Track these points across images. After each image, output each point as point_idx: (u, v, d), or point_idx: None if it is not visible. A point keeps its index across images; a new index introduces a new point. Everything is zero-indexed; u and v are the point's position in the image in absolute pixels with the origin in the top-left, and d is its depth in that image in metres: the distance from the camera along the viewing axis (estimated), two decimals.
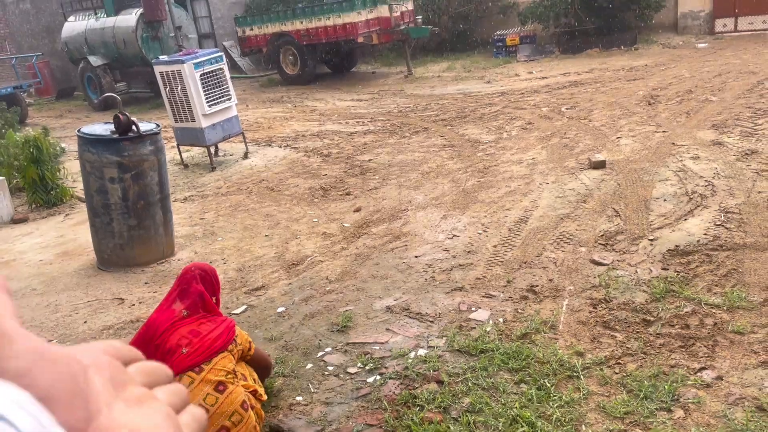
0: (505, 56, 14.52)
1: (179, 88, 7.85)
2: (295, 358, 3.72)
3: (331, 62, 15.96)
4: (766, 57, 10.68)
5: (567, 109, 9.04)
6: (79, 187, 6.72)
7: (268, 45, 15.17)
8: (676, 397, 2.92)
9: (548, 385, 3.11)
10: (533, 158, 7.05)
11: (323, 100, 12.82)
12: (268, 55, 15.62)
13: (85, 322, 4.52)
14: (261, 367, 3.23)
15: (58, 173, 7.74)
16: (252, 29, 15.42)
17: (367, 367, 3.51)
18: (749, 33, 13.43)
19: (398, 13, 13.85)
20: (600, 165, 6.36)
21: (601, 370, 3.20)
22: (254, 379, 3.08)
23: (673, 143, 6.78)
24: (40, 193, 7.31)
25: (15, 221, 6.95)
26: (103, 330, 4.37)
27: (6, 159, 7.77)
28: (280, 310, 4.37)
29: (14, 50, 19.52)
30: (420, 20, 14.59)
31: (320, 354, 3.74)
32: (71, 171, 8.09)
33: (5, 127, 10.38)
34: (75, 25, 15.30)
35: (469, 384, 3.20)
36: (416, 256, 4.96)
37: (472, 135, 8.43)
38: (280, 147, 9.13)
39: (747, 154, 6.09)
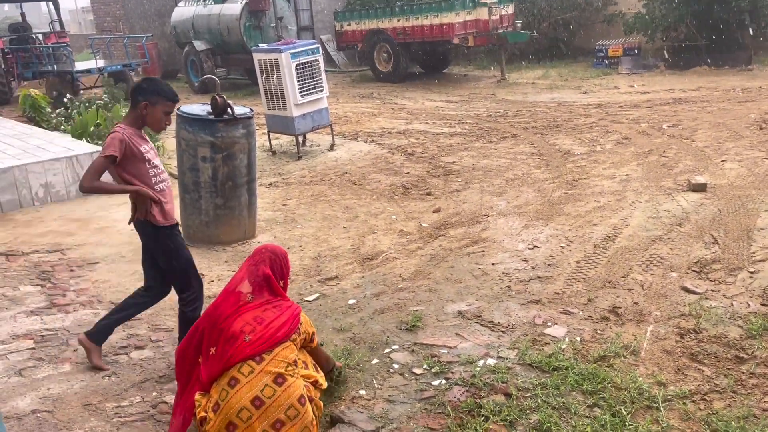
0: (606, 67, 13.98)
1: (275, 76, 8.04)
2: (362, 352, 3.70)
3: (425, 62, 15.93)
4: None
5: (668, 126, 8.58)
6: (173, 165, 7.00)
7: (364, 41, 15.33)
8: None
9: (624, 412, 2.92)
10: (627, 174, 6.72)
11: (413, 99, 12.80)
12: (363, 50, 15.80)
13: None
14: (326, 365, 3.21)
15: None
16: (349, 24, 15.63)
17: (433, 370, 3.43)
18: None
19: (497, 17, 13.64)
20: (700, 188, 5.97)
21: (684, 404, 2.97)
22: (315, 368, 3.05)
23: None
24: None
25: None
26: None
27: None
28: (351, 302, 4.36)
29: (127, 30, 20.74)
30: (519, 25, 14.30)
31: (387, 351, 3.69)
32: (168, 149, 8.45)
33: (112, 101, 11.01)
34: (184, 11, 16.06)
35: (539, 401, 3.06)
36: (493, 264, 4.83)
37: (563, 145, 8.16)
38: (366, 142, 9.18)
39: None
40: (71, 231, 6.10)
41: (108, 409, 3.26)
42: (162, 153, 8.43)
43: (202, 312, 3.42)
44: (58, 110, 10.45)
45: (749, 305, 3.87)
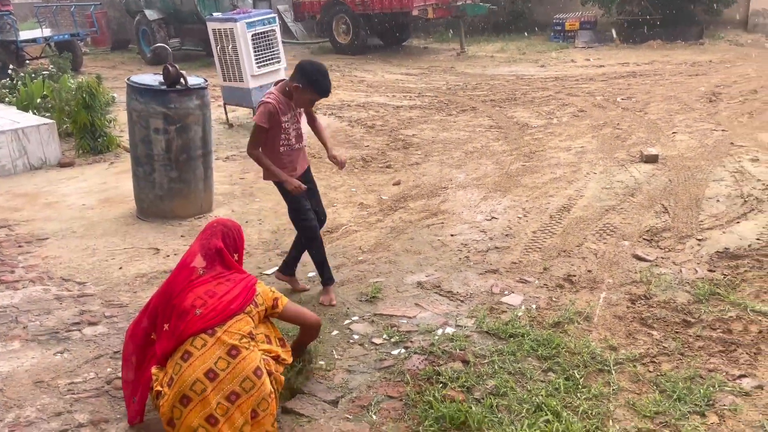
0: (563, 41, 14.10)
1: (230, 46, 7.85)
2: (322, 324, 3.69)
3: (384, 34, 15.77)
4: None
5: (623, 99, 8.73)
6: (125, 138, 6.80)
7: (322, 12, 15.06)
8: (711, 402, 2.79)
9: (577, 376, 3.01)
10: (582, 146, 6.84)
11: (372, 71, 12.69)
12: (321, 22, 15.52)
13: (120, 268, 4.59)
14: (301, 325, 3.13)
15: (107, 122, 7.85)
16: None
17: (392, 340, 3.46)
18: None
19: None
20: (652, 159, 6.12)
21: (635, 366, 3.08)
22: (281, 343, 3.02)
23: (731, 143, 6.47)
24: (88, 140, 7.44)
25: (62, 165, 7.08)
26: (137, 278, 4.42)
27: (57, 104, 7.91)
28: (310, 275, 4.34)
29: None
30: None
31: (347, 322, 3.71)
32: (120, 121, 8.19)
33: (59, 72, 10.58)
34: None
35: (495, 367, 3.13)
36: (452, 235, 4.87)
37: (520, 118, 8.23)
38: (325, 115, 9.08)
39: None
40: (18, 206, 5.88)
41: (60, 386, 3.19)
42: (114, 125, 8.17)
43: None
44: (2, 81, 9.99)
45: (697, 271, 4.01)
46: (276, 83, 3.84)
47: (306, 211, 3.87)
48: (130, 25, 16.08)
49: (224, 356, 2.68)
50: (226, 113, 8.73)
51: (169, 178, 5.33)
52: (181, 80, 5.10)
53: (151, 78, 5.30)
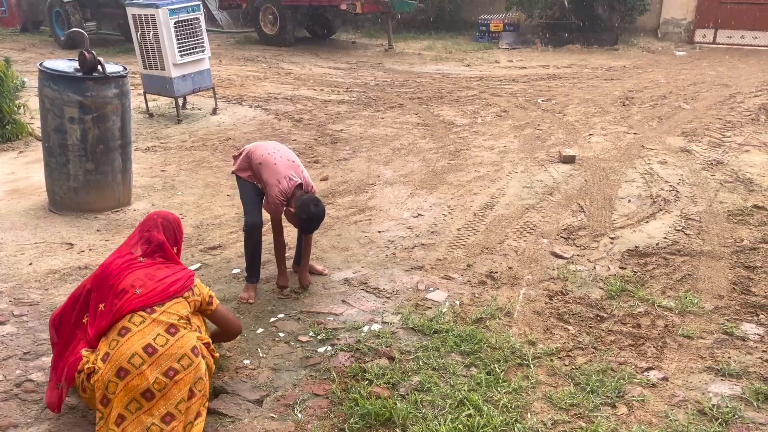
0: (488, 41, 14.43)
1: (151, 33, 7.56)
2: (246, 321, 3.64)
3: (312, 27, 15.62)
4: (740, 71, 10.87)
5: (543, 101, 9.05)
6: (36, 125, 6.43)
7: (248, 1, 14.74)
8: (621, 393, 2.96)
9: (498, 370, 3.11)
10: (505, 146, 7.04)
11: (300, 64, 12.55)
12: (248, 11, 15.19)
13: (30, 263, 4.34)
14: (226, 327, 3.14)
15: (16, 108, 7.38)
16: None
17: (318, 337, 3.46)
18: (726, 46, 13.64)
19: None
20: (570, 160, 6.38)
21: (551, 360, 3.21)
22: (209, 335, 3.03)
23: (642, 146, 6.85)
24: None
25: None
26: (49, 274, 4.20)
27: None
28: (235, 271, 4.27)
29: None
30: None
31: (272, 319, 3.67)
32: (31, 108, 7.72)
33: None
34: None
35: (420, 363, 3.19)
36: (379, 231, 4.90)
37: (446, 116, 8.38)
38: (251, 107, 8.91)
39: (713, 164, 6.19)
40: None
41: None
42: (24, 111, 7.69)
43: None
44: None
45: (609, 268, 4.23)
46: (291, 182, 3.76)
47: (254, 213, 3.92)
48: (43, 5, 15.16)
49: (163, 333, 2.68)
50: (146, 102, 8.40)
51: (84, 169, 5.09)
52: (99, 67, 4.87)
53: (66, 64, 5.03)
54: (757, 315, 3.57)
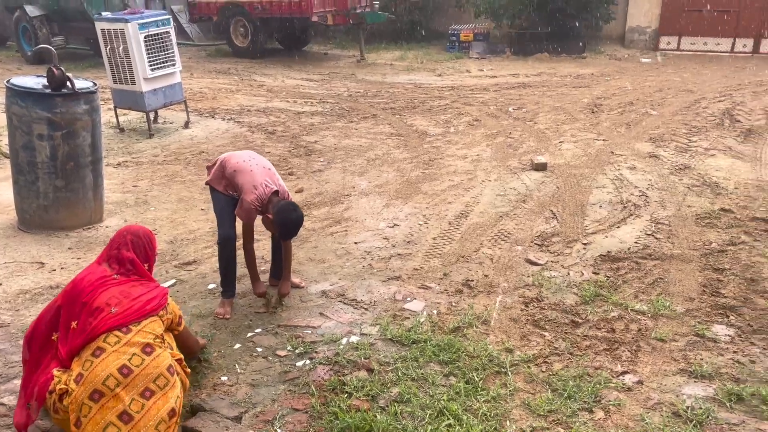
0: (458, 51, 14.59)
1: (121, 48, 7.49)
2: (223, 337, 3.62)
3: (284, 39, 15.63)
4: (704, 77, 11.15)
5: (514, 109, 9.17)
6: (4, 143, 6.31)
7: (219, 14, 14.69)
8: (598, 398, 3.00)
9: (476, 379, 3.13)
10: (478, 155, 7.11)
11: (272, 76, 12.54)
12: (219, 24, 15.14)
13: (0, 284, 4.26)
14: (186, 347, 3.12)
15: None
16: None
17: (297, 351, 3.44)
18: (690, 53, 13.99)
19: None
20: (541, 167, 6.47)
21: (529, 367, 3.25)
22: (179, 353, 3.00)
23: (612, 152, 6.97)
24: None
25: None
26: (19, 294, 4.12)
27: None
28: (211, 286, 4.23)
29: None
30: (377, 6, 14.46)
31: (250, 334, 3.65)
32: None
33: None
34: None
35: (399, 374, 3.19)
36: (356, 243, 4.91)
37: (420, 126, 8.44)
38: (224, 120, 8.87)
39: (680, 168, 6.33)
40: None
41: None
42: None
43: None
44: None
45: (583, 274, 4.29)
46: (267, 189, 3.73)
47: (228, 226, 3.89)
48: (9, 20, 14.91)
49: (139, 353, 2.64)
50: (117, 117, 8.31)
51: (54, 186, 5.01)
52: (68, 83, 4.81)
53: (34, 81, 4.96)
54: (727, 316, 3.65)
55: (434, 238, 4.97)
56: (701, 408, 2.88)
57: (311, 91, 11.04)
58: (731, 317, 3.63)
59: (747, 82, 10.53)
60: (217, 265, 4.00)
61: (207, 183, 4.01)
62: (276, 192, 3.70)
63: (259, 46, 14.52)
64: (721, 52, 13.80)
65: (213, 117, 9.06)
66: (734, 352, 3.29)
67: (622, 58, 13.59)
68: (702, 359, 3.23)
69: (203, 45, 16.76)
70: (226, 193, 3.86)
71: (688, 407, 2.90)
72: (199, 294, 4.16)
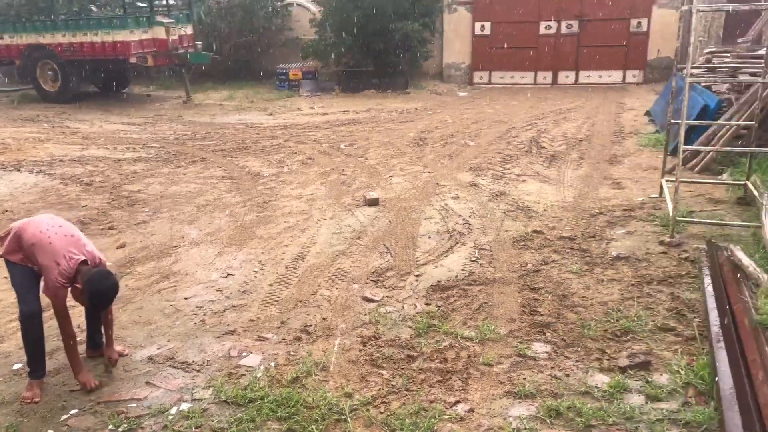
0: (288, 89, 14.69)
1: None
2: (32, 425, 3.21)
3: (101, 81, 14.69)
4: (513, 107, 12.24)
5: (345, 146, 9.37)
6: None
7: (22, 57, 13.46)
8: None
9: (316, 431, 3.06)
10: (312, 194, 7.14)
11: (88, 121, 11.69)
12: (23, 68, 13.86)
13: None
14: None
15: None
16: (2, 38, 13.57)
17: (120, 429, 3.14)
18: (501, 85, 15.34)
19: (176, 37, 13.26)
20: (374, 202, 6.64)
21: (368, 410, 3.24)
22: None
23: (437, 183, 7.36)
24: None
25: None
26: None
27: None
28: (16, 367, 3.75)
29: None
30: (200, 46, 14.15)
31: (64, 417, 3.27)
32: None
33: None
34: None
35: None
36: (186, 298, 4.65)
37: (252, 167, 8.30)
38: (31, 173, 8.06)
39: (497, 195, 6.83)
40: None
41: None
42: None
43: None
44: None
45: (416, 306, 4.42)
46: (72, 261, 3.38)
47: (32, 300, 3.51)
48: None
49: None
50: None
51: None
52: None
53: None
54: (544, 333, 3.95)
55: (271, 285, 4.86)
56: (526, 428, 3.06)
57: (133, 135, 10.44)
58: (547, 334, 3.93)
59: (549, 111, 11.72)
60: (23, 342, 3.55)
61: (1, 256, 3.57)
62: (84, 261, 3.38)
63: (72, 90, 13.51)
64: (526, 84, 15.29)
65: (18, 170, 8.20)
66: (551, 368, 3.55)
67: (442, 92, 14.52)
68: (524, 379, 3.45)
69: (6, 91, 15.22)
70: (25, 265, 3.46)
71: (514, 429, 3.06)
72: (3, 376, 3.66)
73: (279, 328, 4.19)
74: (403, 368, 3.64)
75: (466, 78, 15.71)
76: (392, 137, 9.85)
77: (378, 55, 14.40)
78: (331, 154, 8.91)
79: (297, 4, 16.04)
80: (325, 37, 14.28)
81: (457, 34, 15.51)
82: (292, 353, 3.87)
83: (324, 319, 4.30)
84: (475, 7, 15.18)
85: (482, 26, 15.24)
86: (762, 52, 7.32)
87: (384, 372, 3.61)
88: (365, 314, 4.33)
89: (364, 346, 3.92)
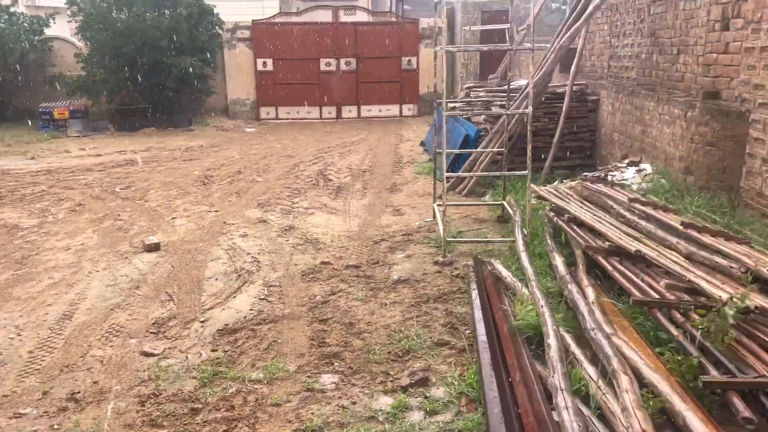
0: (54, 130, 13.35)
1: None
2: None
3: None
4: (300, 142, 12.45)
5: (122, 188, 8.73)
6: None
7: None
8: None
9: None
10: (83, 243, 6.49)
11: None
12: None
13: None
14: None
15: None
16: None
17: None
18: (288, 121, 15.55)
19: None
20: (154, 248, 6.24)
21: None
22: None
23: (224, 222, 7.15)
24: None
25: None
26: None
27: None
28: None
29: None
30: None
31: None
32: None
33: None
34: None
35: None
36: None
37: (9, 219, 7.34)
38: None
39: (286, 229, 6.84)
40: None
41: None
42: None
43: None
44: None
45: (201, 354, 4.20)
46: None
47: None
48: None
49: None
50: None
51: None
52: None
53: None
54: (332, 363, 3.98)
55: (30, 352, 4.28)
56: None
57: None
58: (335, 364, 3.97)
59: (335, 144, 12.13)
60: None
61: None
62: None
63: None
64: (312, 119, 15.70)
65: None
66: (339, 398, 3.58)
67: (228, 128, 14.29)
68: (312, 413, 3.43)
69: None
70: None
71: None
72: None
73: (40, 400, 3.69)
74: (186, 423, 3.40)
75: (253, 114, 15.67)
76: (175, 176, 9.41)
77: (156, 91, 13.75)
78: (104, 199, 8.22)
79: (59, 38, 14.72)
80: (94, 73, 13.28)
81: (240, 70, 15.44)
82: (56, 427, 3.42)
83: (95, 382, 3.88)
84: (254, 43, 15.28)
85: (264, 62, 15.37)
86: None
87: (165, 431, 3.34)
88: (144, 371, 4.00)
89: (143, 406, 3.61)
